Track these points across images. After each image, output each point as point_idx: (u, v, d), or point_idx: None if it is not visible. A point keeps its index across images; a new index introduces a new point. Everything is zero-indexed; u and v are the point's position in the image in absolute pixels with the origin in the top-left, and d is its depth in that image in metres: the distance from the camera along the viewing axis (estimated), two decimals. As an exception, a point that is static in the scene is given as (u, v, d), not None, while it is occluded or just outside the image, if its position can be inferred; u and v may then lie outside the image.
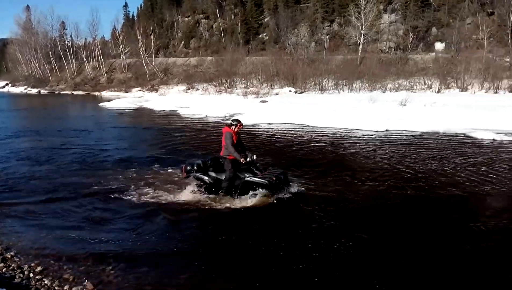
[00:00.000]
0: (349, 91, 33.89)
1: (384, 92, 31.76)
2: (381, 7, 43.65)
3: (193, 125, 19.06)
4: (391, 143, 13.19)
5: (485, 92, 29.80)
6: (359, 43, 40.59)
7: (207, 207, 7.09)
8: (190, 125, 19.28)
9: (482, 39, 35.42)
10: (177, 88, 45.50)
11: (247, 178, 7.34)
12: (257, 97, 32.78)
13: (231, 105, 25.65)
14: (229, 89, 39.50)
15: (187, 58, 53.66)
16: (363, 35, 40.40)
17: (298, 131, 16.17)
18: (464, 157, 10.87)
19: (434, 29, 41.11)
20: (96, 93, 50.75)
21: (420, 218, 6.60)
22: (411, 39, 39.88)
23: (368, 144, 13.18)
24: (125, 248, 5.52)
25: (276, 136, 15.21)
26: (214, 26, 57.80)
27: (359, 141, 13.72)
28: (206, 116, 22.32)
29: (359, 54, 39.86)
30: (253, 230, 6.15)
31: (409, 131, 15.23)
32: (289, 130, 16.34)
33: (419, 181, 8.61)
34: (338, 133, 15.44)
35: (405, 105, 21.68)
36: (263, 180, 7.22)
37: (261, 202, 7.14)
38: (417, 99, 23.45)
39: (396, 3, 43.81)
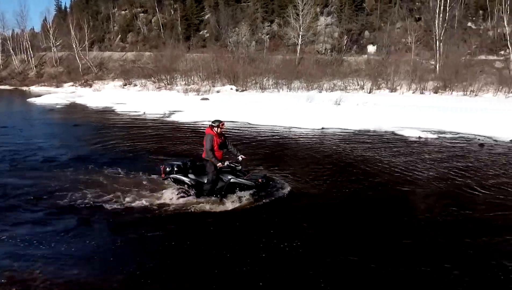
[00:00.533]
0: (288, 90, 34.73)
1: (320, 92, 32.97)
2: (318, 9, 45.22)
3: (130, 123, 18.44)
4: (327, 141, 13.74)
5: (413, 93, 32.04)
6: (298, 44, 41.74)
7: (155, 210, 6.81)
8: (127, 122, 18.63)
9: (410, 42, 38.03)
10: (113, 83, 43.79)
11: (232, 180, 7.17)
12: (198, 94, 32.48)
13: (171, 102, 25.16)
14: (169, 86, 38.74)
15: (124, 52, 51.76)
16: (301, 36, 41.58)
17: (240, 128, 16.28)
18: (395, 153, 11.62)
19: (366, 32, 43.39)
20: (24, 88, 47.45)
21: (358, 212, 6.97)
22: (345, 41, 41.77)
23: (306, 141, 13.63)
24: (58, 251, 5.25)
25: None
26: (152, 20, 56.27)
27: (298, 139, 14.13)
28: (144, 113, 21.70)
29: (298, 54, 40.99)
30: (206, 234, 5.95)
31: (343, 129, 15.96)
32: (231, 128, 16.37)
33: (354, 176, 9.07)
34: (279, 131, 15.78)
35: (339, 104, 22.72)
36: (250, 182, 7.12)
37: (246, 204, 6.99)
38: (350, 99, 24.69)
39: (332, 6, 45.64)
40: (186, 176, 7.48)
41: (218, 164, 7.09)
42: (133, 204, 7.01)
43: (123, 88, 41.35)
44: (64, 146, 12.65)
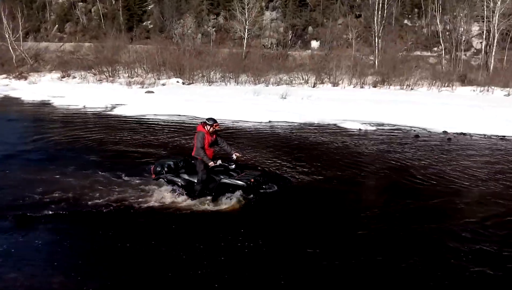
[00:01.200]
0: (236, 84, 34.76)
1: (267, 85, 33.36)
2: (263, 4, 45.52)
3: (69, 117, 17.51)
4: (274, 133, 14.04)
5: (354, 87, 33.38)
6: (244, 38, 41.83)
7: (110, 209, 6.48)
8: (66, 117, 17.68)
9: (351, 38, 39.45)
10: (50, 75, 41.22)
11: (223, 180, 6.90)
12: (143, 87, 31.55)
13: (113, 95, 24.20)
14: (111, 78, 37.24)
15: (62, 43, 48.95)
16: (247, 30, 41.71)
17: (186, 122, 16.10)
18: (338, 144, 12.16)
19: (310, 28, 44.39)
20: (-51, 80, 43.37)
21: (308, 201, 7.22)
22: (290, 36, 42.46)
23: (253, 134, 13.82)
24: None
25: (162, 127, 14.93)
26: (92, 10, 53.59)
27: (245, 132, 14.28)
28: (84, 106, 20.69)
29: (244, 48, 41.10)
30: (163, 237, 5.68)
31: (289, 122, 16.32)
32: (177, 122, 16.18)
33: (301, 166, 9.34)
34: (227, 124, 15.75)
35: (285, 98, 23.23)
36: (241, 182, 6.83)
37: (237, 205, 6.71)
38: (295, 93, 25.27)
39: (277, 1, 46.16)
40: (178, 176, 7.17)
41: (209, 163, 6.86)
42: (82, 203, 6.69)
43: (61, 80, 39.09)
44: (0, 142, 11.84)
